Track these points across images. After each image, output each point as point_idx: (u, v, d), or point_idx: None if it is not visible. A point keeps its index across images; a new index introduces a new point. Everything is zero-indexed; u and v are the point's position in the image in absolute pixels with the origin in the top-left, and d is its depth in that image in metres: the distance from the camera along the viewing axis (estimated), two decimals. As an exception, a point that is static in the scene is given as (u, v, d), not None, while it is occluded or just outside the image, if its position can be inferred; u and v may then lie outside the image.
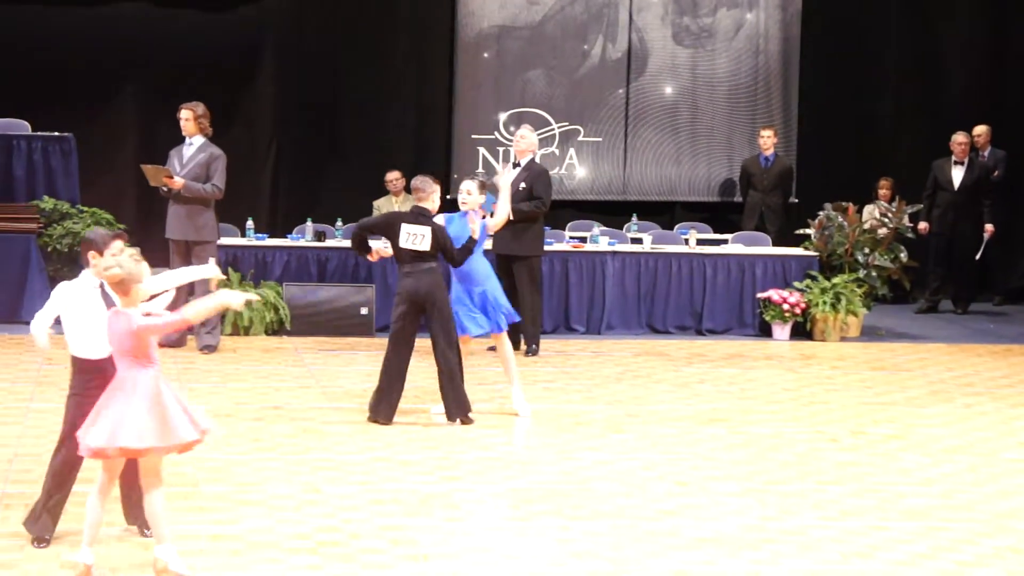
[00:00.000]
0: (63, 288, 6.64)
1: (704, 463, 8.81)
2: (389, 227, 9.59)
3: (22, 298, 13.05)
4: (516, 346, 12.64)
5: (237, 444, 8.92)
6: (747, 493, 8.11)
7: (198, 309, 6.31)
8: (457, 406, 9.63)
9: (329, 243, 13.71)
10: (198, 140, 12.18)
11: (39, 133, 14.12)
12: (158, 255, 12.51)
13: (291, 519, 7.30)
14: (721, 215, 16.76)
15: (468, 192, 9.87)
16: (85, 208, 13.73)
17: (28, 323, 13.05)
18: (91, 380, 6.52)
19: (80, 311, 6.55)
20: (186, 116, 12.11)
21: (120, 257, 6.30)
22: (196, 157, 12.10)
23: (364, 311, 13.24)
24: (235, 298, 6.31)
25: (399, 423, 9.59)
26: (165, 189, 12.03)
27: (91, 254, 6.53)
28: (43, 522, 6.72)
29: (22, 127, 14.30)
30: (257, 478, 8.12)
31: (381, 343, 12.87)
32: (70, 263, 13.42)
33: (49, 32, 15.30)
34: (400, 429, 9.45)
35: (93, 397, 6.39)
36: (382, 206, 15.44)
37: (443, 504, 7.68)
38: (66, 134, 14.06)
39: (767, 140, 16.16)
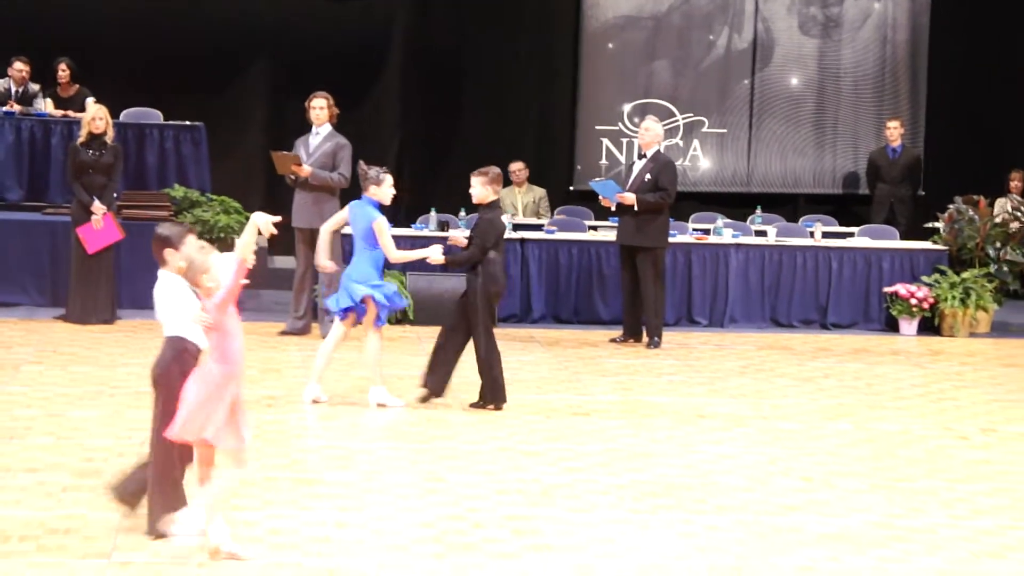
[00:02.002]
0: (163, 284, 6.65)
1: (829, 459, 8.70)
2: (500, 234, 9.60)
3: (152, 285, 13.23)
4: (638, 338, 12.62)
5: (362, 433, 9.01)
6: (874, 490, 8.00)
7: (240, 246, 6.27)
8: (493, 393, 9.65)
9: (452, 232, 13.75)
10: (325, 129, 12.31)
11: (171, 122, 14.38)
12: (284, 243, 12.73)
13: (415, 507, 7.35)
14: (845, 208, 16.55)
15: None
16: (215, 196, 13.94)
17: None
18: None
19: (183, 302, 6.55)
20: (321, 105, 12.21)
21: (186, 249, 6.36)
22: (323, 146, 12.23)
23: (486, 301, 13.26)
24: (261, 218, 6.33)
25: (523, 414, 9.61)
26: (292, 177, 12.17)
27: (166, 251, 6.56)
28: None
29: (154, 116, 14.58)
30: (381, 467, 8.19)
31: (504, 333, 12.94)
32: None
33: (180, 22, 15.58)
34: (523, 420, 9.47)
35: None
36: (505, 197, 15.47)
37: (566, 495, 7.68)
38: (197, 123, 14.31)
39: (894, 131, 15.91)
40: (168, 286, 6.61)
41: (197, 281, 6.31)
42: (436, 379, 9.73)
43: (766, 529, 7.20)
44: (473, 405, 9.69)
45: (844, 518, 7.44)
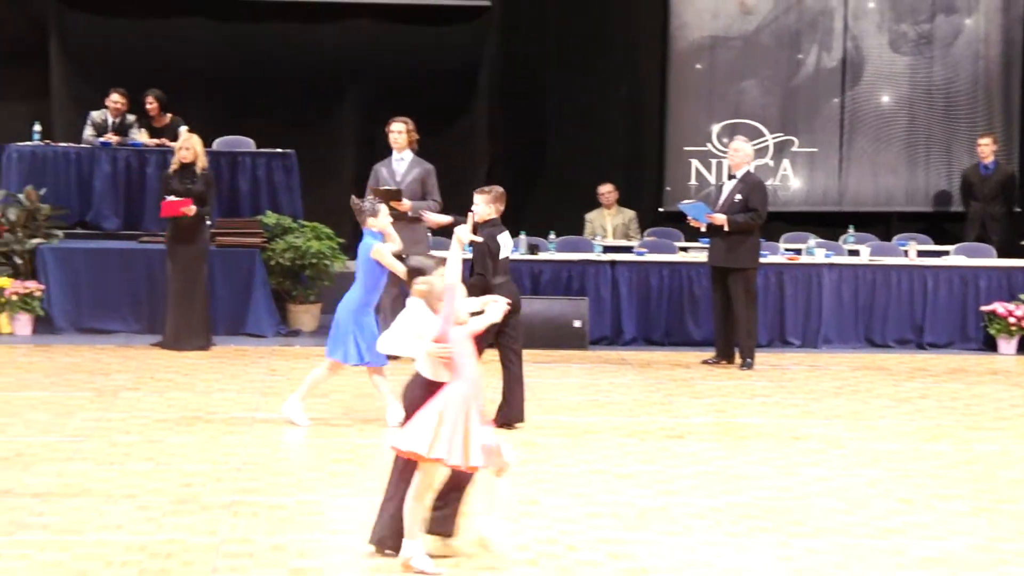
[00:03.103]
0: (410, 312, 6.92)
1: (929, 480, 8.57)
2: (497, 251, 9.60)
3: (246, 311, 13.45)
4: (731, 359, 12.53)
5: (455, 455, 9.01)
6: (976, 512, 7.87)
7: (449, 268, 6.55)
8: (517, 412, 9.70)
9: (542, 256, 13.78)
10: (408, 155, 12.39)
11: (263, 150, 14.55)
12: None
13: (510, 530, 7.34)
14: (939, 226, 16.34)
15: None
16: (306, 223, 14.07)
17: (252, 335, 13.47)
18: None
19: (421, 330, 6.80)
20: (399, 129, 12.30)
21: (435, 274, 6.66)
22: (411, 173, 12.31)
23: (577, 324, 13.27)
24: (464, 233, 6.73)
25: (616, 437, 9.57)
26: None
27: (412, 279, 6.84)
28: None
29: (247, 144, 14.75)
30: (477, 491, 8.18)
31: (595, 356, 12.94)
32: (292, 276, 13.78)
33: (271, 50, 15.78)
34: (616, 442, 9.43)
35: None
36: (594, 219, 15.47)
37: (661, 518, 7.63)
38: (288, 151, 14.46)
39: (986, 148, 15.71)
40: (414, 314, 6.85)
41: (435, 307, 6.61)
42: (510, 408, 9.73)
43: (866, 552, 7.11)
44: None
45: (945, 541, 7.32)
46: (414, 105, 13.57)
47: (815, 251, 13.90)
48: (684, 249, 14.53)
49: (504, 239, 9.62)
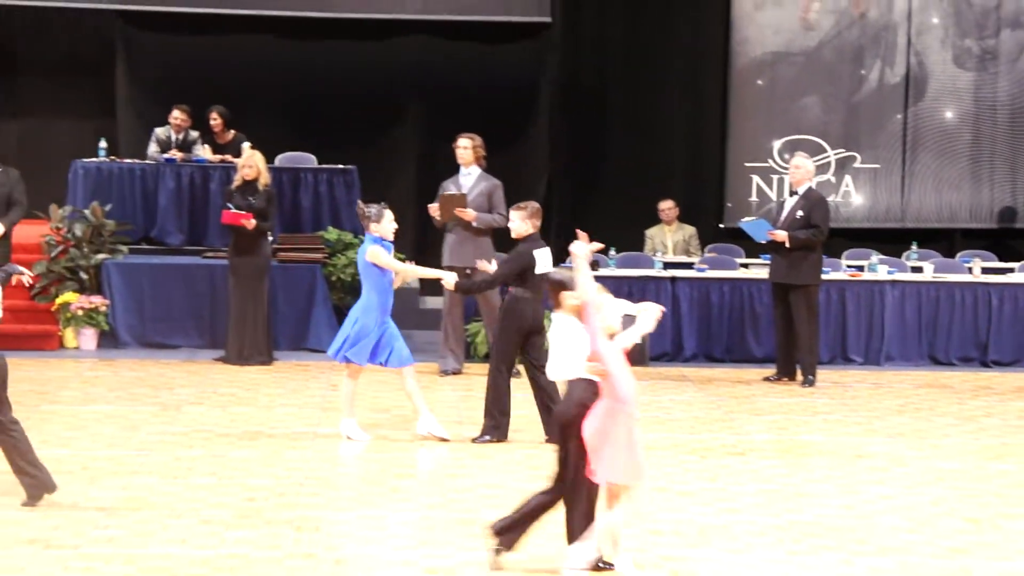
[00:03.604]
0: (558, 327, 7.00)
1: (995, 499, 8.48)
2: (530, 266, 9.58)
3: (308, 326, 13.52)
4: (792, 376, 12.47)
5: (513, 470, 9.02)
6: (1042, 532, 7.78)
7: (582, 284, 6.59)
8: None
9: (602, 272, 13.74)
10: (475, 170, 12.44)
11: (324, 166, 14.64)
12: (435, 282, 12.82)
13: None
14: (1003, 242, 16.17)
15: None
16: (367, 238, 14.10)
17: (314, 350, 13.52)
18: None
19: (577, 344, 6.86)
20: (465, 145, 12.38)
21: (582, 290, 6.67)
22: (478, 187, 12.36)
23: (638, 340, 13.20)
24: (582, 249, 6.72)
25: (677, 454, 9.54)
26: (438, 219, 12.26)
27: (563, 294, 6.96)
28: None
29: (308, 160, 14.85)
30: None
31: (656, 372, 12.90)
32: (353, 292, 13.81)
33: (333, 66, 15.88)
34: (678, 459, 9.40)
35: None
36: (655, 235, 15.44)
37: (723, 536, 7.60)
38: (349, 167, 14.54)
39: (1052, 164, 15.56)
40: (564, 329, 6.94)
41: (591, 320, 6.60)
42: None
43: (932, 572, 7.04)
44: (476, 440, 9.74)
45: (1013, 561, 7.24)
46: (474, 122, 13.61)
47: (878, 268, 13.80)
48: (745, 265, 14.45)
49: (541, 255, 9.64)
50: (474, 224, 12.15)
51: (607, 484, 6.59)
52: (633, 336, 6.74)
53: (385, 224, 9.76)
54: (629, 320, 6.82)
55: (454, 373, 12.43)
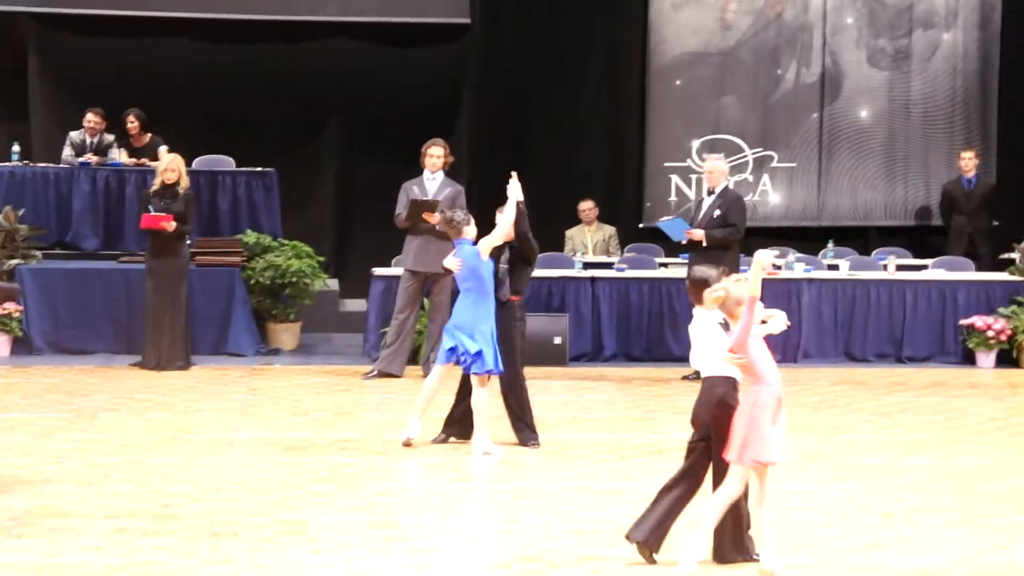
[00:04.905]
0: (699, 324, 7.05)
1: (909, 494, 8.58)
2: None
3: (227, 330, 13.42)
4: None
5: (435, 474, 9.01)
6: (956, 526, 7.87)
7: (750, 285, 6.64)
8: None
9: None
10: (440, 176, 12.49)
11: (242, 169, 14.55)
12: (356, 285, 12.78)
13: (491, 548, 7.33)
14: (918, 240, 16.40)
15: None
16: (286, 241, 14.05)
17: (233, 354, 13.42)
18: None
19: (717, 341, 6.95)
20: (437, 153, 12.45)
21: (726, 281, 6.82)
22: (443, 192, 12.40)
23: (558, 340, 13.27)
24: (765, 257, 6.74)
25: (597, 453, 9.57)
26: (403, 222, 12.25)
27: (706, 291, 6.95)
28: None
29: (227, 163, 14.75)
30: (456, 508, 8.18)
31: (576, 372, 12.93)
32: (272, 296, 13.76)
33: (250, 69, 15.78)
34: (597, 459, 9.43)
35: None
36: (575, 236, 15.49)
37: (642, 535, 7.60)
38: (268, 169, 14.46)
39: (968, 162, 15.78)
40: (704, 326, 7.01)
41: (732, 312, 6.74)
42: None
43: (846, 567, 7.11)
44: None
45: (927, 555, 7.32)
46: (397, 126, 13.59)
47: (794, 266, 13.94)
48: (664, 265, 14.55)
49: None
50: (437, 227, 12.17)
51: (752, 465, 6.70)
52: (766, 332, 6.90)
53: (473, 227, 9.86)
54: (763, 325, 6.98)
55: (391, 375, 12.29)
